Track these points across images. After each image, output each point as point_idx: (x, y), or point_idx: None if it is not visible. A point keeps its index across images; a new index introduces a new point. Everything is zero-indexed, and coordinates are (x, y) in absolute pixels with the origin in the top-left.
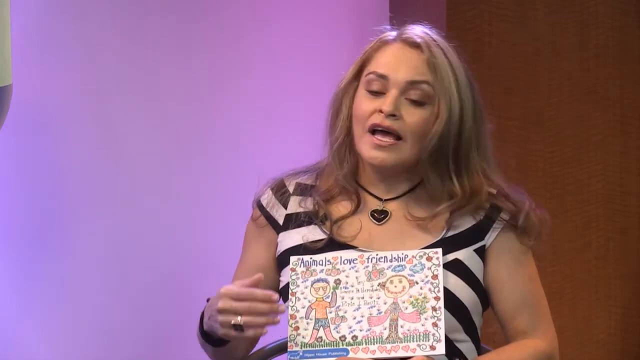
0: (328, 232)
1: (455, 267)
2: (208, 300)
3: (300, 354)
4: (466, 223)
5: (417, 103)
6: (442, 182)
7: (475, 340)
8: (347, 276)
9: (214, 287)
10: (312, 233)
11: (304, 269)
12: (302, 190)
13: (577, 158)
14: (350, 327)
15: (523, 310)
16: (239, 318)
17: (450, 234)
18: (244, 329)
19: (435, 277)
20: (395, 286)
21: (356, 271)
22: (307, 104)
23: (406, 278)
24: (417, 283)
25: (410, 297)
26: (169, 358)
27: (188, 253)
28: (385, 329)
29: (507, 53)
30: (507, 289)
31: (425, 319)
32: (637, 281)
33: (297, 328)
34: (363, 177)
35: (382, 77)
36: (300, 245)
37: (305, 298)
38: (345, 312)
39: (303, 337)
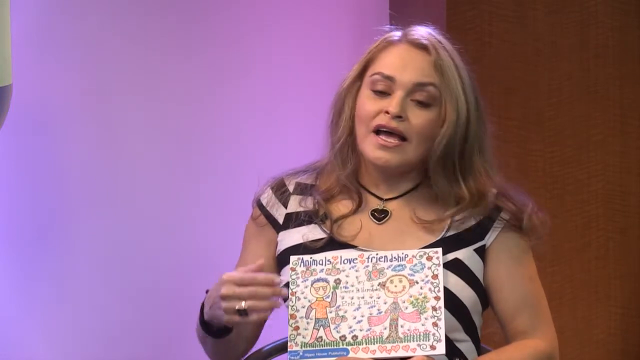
0: (328, 232)
1: (455, 266)
2: (207, 291)
3: (301, 353)
4: (467, 223)
5: (423, 105)
6: (449, 185)
7: (475, 340)
8: (347, 276)
9: None
10: (312, 232)
11: (304, 269)
12: (302, 190)
13: (577, 158)
14: (350, 327)
15: (523, 310)
16: (242, 303)
17: (450, 233)
18: (248, 314)
19: (435, 276)
20: (396, 286)
21: (356, 271)
22: (307, 104)
23: (406, 278)
24: (417, 283)
25: (411, 296)
26: (169, 358)
27: (188, 253)
28: (385, 328)
29: (507, 53)
30: (507, 288)
31: (426, 318)
32: (637, 281)
33: (297, 328)
34: (364, 176)
35: (389, 78)
36: (300, 244)
37: (305, 298)
38: (346, 312)
39: (303, 337)
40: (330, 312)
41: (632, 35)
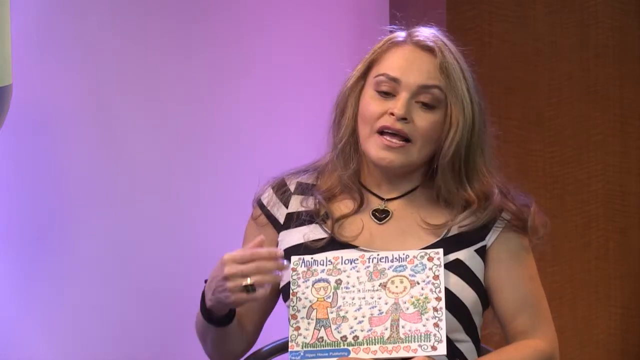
0: (329, 232)
1: (456, 267)
2: (206, 281)
3: (302, 354)
4: (473, 225)
5: (428, 107)
6: (456, 187)
7: (476, 341)
8: (348, 276)
9: None
10: (313, 232)
11: (305, 269)
12: (303, 190)
13: (577, 158)
14: (351, 327)
15: (523, 311)
16: (248, 279)
17: (451, 234)
18: (256, 289)
19: (436, 277)
20: (397, 286)
21: (357, 271)
22: (307, 104)
23: (407, 278)
24: (418, 283)
25: (412, 297)
26: (169, 358)
27: (188, 253)
28: (386, 329)
29: (507, 53)
30: (508, 289)
31: (427, 319)
32: (637, 281)
33: (298, 328)
34: (366, 176)
35: (394, 79)
36: (301, 244)
37: (306, 298)
38: (347, 312)
39: (304, 337)
40: (331, 313)
41: (632, 35)
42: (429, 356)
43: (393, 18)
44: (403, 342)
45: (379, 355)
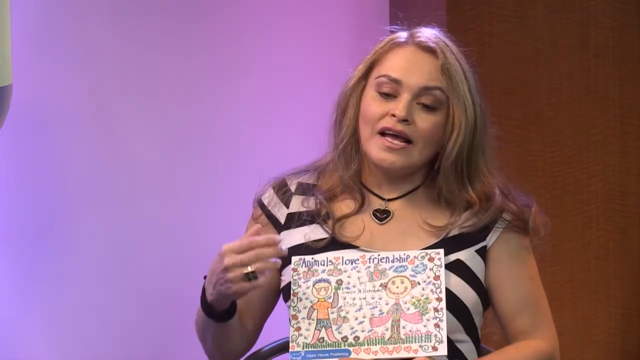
0: (330, 232)
1: (456, 267)
2: (205, 278)
3: (302, 354)
4: (475, 226)
5: (429, 108)
6: (458, 189)
7: (476, 341)
8: (349, 276)
9: None
10: (314, 232)
11: (306, 269)
12: (304, 190)
13: (577, 158)
14: (352, 328)
15: (524, 311)
16: (249, 268)
17: (452, 234)
18: (257, 277)
19: (437, 277)
20: (397, 287)
21: (358, 271)
22: (307, 104)
23: (408, 279)
24: (419, 284)
25: (412, 297)
26: (169, 358)
27: (188, 253)
28: (387, 329)
29: (507, 53)
30: (508, 289)
31: (427, 319)
32: (637, 281)
33: (298, 328)
34: (367, 177)
35: (395, 81)
36: (302, 244)
37: (307, 298)
38: (347, 313)
39: (305, 338)
40: (332, 313)
41: (632, 35)
42: (429, 356)
43: (393, 18)
44: (404, 343)
45: (380, 355)
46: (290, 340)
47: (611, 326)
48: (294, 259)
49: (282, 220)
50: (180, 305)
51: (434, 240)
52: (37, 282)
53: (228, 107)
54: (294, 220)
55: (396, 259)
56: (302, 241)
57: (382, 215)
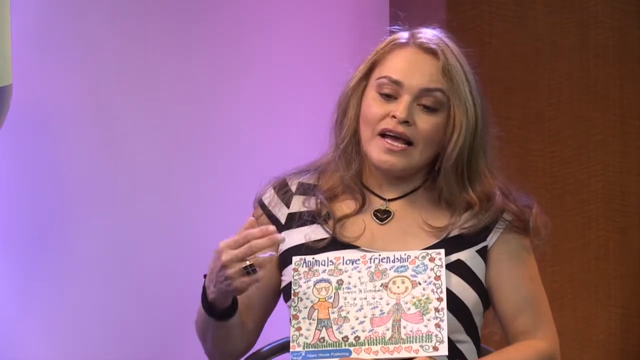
0: (331, 232)
1: (457, 268)
2: (205, 277)
3: (303, 354)
4: (475, 227)
5: (430, 109)
6: (458, 189)
7: (476, 341)
8: (349, 276)
9: None
10: (314, 232)
11: (307, 269)
12: (305, 190)
13: (577, 158)
14: (352, 328)
15: (524, 311)
16: (247, 262)
17: (452, 234)
18: (256, 270)
19: (437, 277)
20: (398, 287)
21: (359, 271)
22: (307, 104)
23: (409, 279)
24: (419, 284)
25: (413, 297)
26: (169, 358)
27: (188, 253)
28: (387, 329)
29: (507, 53)
30: (509, 289)
31: (428, 319)
32: (637, 281)
33: (299, 328)
34: (368, 177)
35: (396, 82)
36: (303, 244)
37: (307, 298)
38: (348, 313)
39: (305, 338)
40: (333, 313)
41: (632, 35)
42: (430, 356)
43: (393, 18)
44: (404, 343)
45: (381, 355)
46: (290, 340)
47: (611, 326)
48: (295, 259)
49: (283, 220)
50: (180, 305)
51: (435, 241)
52: (37, 282)
53: (228, 107)
54: (295, 220)
55: (397, 259)
56: (303, 241)
57: (382, 216)
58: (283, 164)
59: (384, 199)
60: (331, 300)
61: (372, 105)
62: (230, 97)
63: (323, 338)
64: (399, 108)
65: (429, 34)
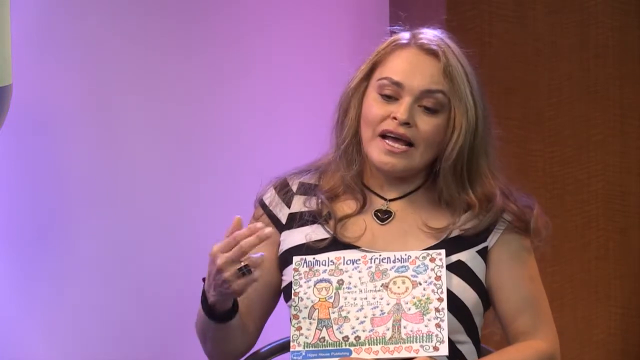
0: (331, 232)
1: (457, 268)
2: (204, 280)
3: (303, 354)
4: (475, 228)
5: (431, 111)
6: (457, 190)
7: (476, 342)
8: (350, 276)
9: None
10: (315, 232)
11: (307, 269)
12: (306, 190)
13: (577, 158)
14: (353, 328)
15: (524, 311)
16: (241, 263)
17: (453, 235)
18: (251, 270)
19: (438, 278)
20: (399, 287)
21: (359, 272)
22: (307, 104)
23: (409, 279)
24: (420, 284)
25: (414, 298)
26: (169, 358)
27: (188, 253)
28: (388, 329)
29: (507, 53)
30: (509, 289)
31: (429, 319)
32: (637, 281)
33: (299, 328)
34: (368, 177)
35: (397, 84)
36: (303, 244)
37: (308, 298)
38: (348, 313)
39: (306, 337)
40: (333, 313)
41: (632, 35)
42: (430, 356)
43: (393, 18)
44: (405, 343)
45: (381, 355)
46: (291, 339)
47: (611, 326)
48: (295, 259)
49: (284, 220)
50: (180, 305)
51: (435, 242)
52: (37, 282)
53: (228, 107)
54: (296, 220)
55: (397, 259)
56: (304, 241)
57: (383, 216)
58: (283, 164)
59: (385, 199)
60: (332, 300)
61: (373, 106)
62: (230, 97)
63: (323, 338)
64: (400, 110)
65: (430, 35)
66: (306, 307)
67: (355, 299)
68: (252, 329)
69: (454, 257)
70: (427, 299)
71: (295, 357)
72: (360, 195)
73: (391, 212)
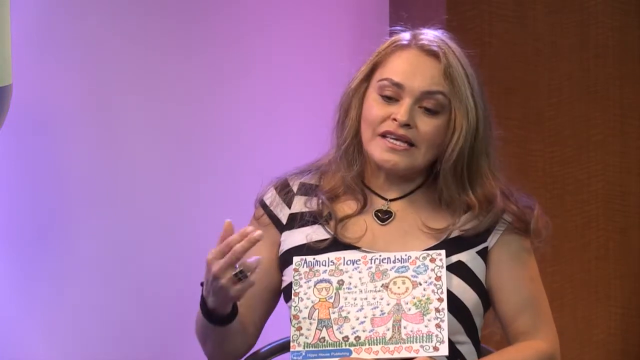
0: (332, 232)
1: (458, 269)
2: (202, 284)
3: (303, 354)
4: (475, 228)
5: (431, 112)
6: (457, 191)
7: (476, 342)
8: (350, 277)
9: None
10: (316, 233)
11: (307, 270)
12: (307, 190)
13: (577, 158)
14: (353, 328)
15: (524, 311)
16: (237, 268)
17: (453, 235)
18: (247, 275)
19: (438, 278)
20: (399, 287)
21: (359, 272)
22: (307, 104)
23: (409, 279)
24: (420, 284)
25: (414, 298)
26: (169, 358)
27: (188, 253)
28: (388, 329)
29: (507, 53)
30: (509, 290)
31: (429, 320)
32: (637, 281)
33: (300, 328)
34: (369, 177)
35: (397, 85)
36: (304, 244)
37: (308, 298)
38: (348, 313)
39: (306, 338)
40: (333, 313)
41: (632, 35)
42: (430, 357)
43: (393, 18)
44: (405, 343)
45: (381, 355)
46: (291, 339)
47: (611, 326)
48: (296, 259)
49: (284, 220)
50: (180, 305)
51: (435, 242)
52: (37, 282)
53: (228, 107)
54: (296, 221)
55: (397, 259)
56: (304, 242)
57: (384, 216)
58: (283, 164)
59: (386, 199)
60: (332, 301)
61: (373, 107)
62: (230, 97)
63: (323, 338)
64: (400, 111)
65: (430, 36)
66: (306, 307)
67: (355, 299)
68: (252, 330)
69: (454, 258)
70: (427, 299)
71: (295, 357)
72: (361, 195)
73: (391, 213)
